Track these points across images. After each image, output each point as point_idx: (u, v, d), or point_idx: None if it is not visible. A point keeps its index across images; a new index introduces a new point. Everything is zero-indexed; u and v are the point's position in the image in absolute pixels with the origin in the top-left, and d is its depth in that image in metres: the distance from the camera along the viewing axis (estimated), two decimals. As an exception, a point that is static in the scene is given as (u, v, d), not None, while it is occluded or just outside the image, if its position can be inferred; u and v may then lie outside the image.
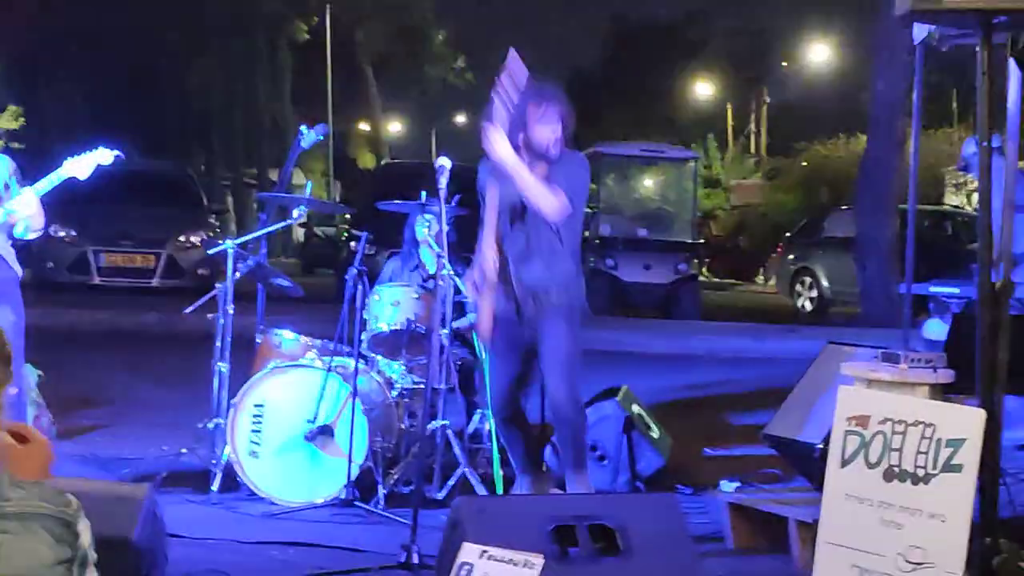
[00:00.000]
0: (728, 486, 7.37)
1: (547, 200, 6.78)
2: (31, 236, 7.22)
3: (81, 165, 7.21)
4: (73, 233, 19.96)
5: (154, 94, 42.92)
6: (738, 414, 10.90)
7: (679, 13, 57.89)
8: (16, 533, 3.20)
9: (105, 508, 4.85)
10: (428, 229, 8.39)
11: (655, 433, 8.31)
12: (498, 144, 6.71)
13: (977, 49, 5.57)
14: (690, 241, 22.96)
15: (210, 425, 7.85)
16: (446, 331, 7.59)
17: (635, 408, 8.25)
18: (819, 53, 50.84)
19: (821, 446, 6.51)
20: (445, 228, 7.06)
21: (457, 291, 7.95)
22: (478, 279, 6.99)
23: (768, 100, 54.43)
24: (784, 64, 56.59)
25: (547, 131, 6.86)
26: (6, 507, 3.22)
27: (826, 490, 5.62)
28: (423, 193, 8.13)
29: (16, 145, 32.00)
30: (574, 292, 6.94)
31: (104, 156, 7.30)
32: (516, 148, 6.82)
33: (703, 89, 55.40)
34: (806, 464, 6.95)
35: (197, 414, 8.11)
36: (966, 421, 5.23)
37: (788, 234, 27.25)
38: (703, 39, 57.72)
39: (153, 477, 7.53)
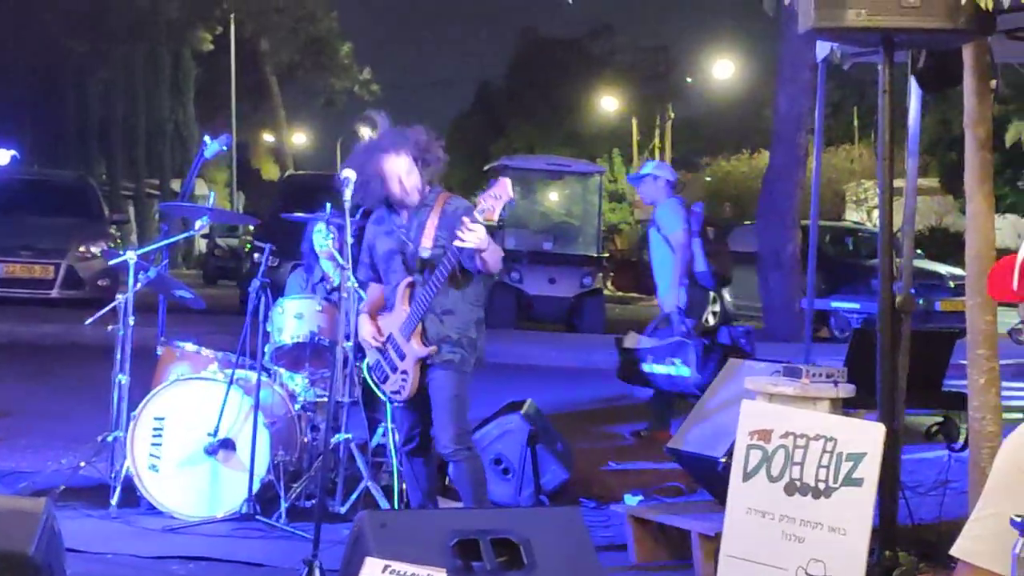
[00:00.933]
0: (631, 499, 7.40)
1: (497, 259, 6.49)
2: None
3: None
4: (-29, 243, 19.63)
5: (55, 102, 42.37)
6: (642, 427, 10.92)
7: (585, 28, 58.16)
8: None
9: (1, 522, 4.77)
10: (333, 240, 8.34)
11: (559, 446, 8.32)
12: (478, 232, 6.21)
13: (879, 67, 5.64)
14: (595, 255, 23.05)
15: (109, 438, 7.75)
16: (350, 344, 7.54)
17: (539, 421, 8.26)
18: (724, 70, 51.29)
19: (724, 460, 6.54)
20: (350, 240, 6.98)
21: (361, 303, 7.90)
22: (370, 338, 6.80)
23: (673, 115, 54.81)
24: (689, 80, 57.08)
25: (395, 183, 6.60)
26: None
27: (728, 503, 5.65)
28: (327, 205, 8.08)
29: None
30: (467, 347, 6.59)
31: None
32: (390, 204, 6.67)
33: (609, 104, 55.65)
34: (709, 478, 6.99)
35: (96, 427, 8.00)
36: (866, 435, 5.28)
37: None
38: (609, 54, 58.04)
39: (51, 491, 7.41)
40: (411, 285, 6.57)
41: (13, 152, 7.48)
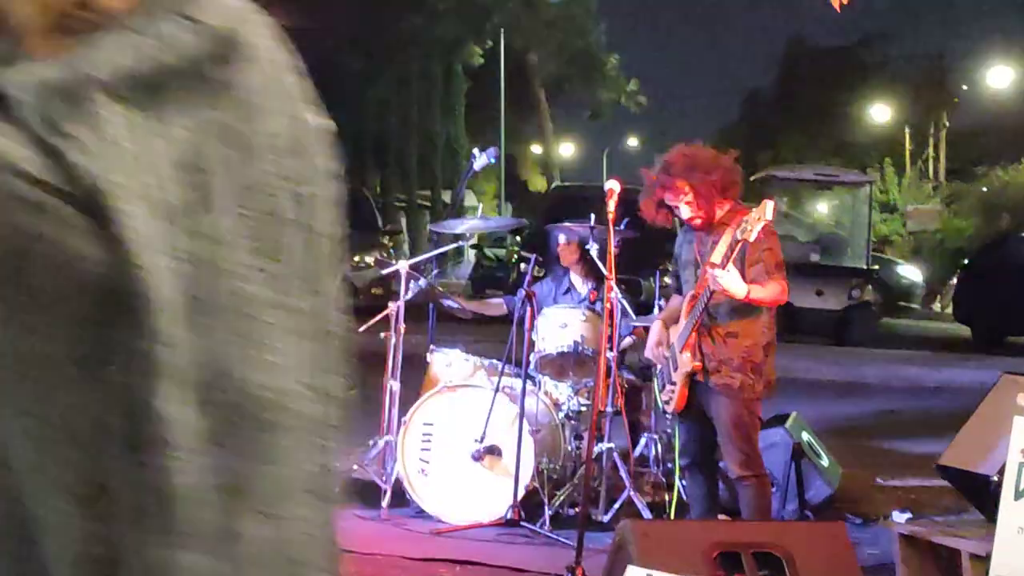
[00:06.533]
0: (899, 517, 7.26)
1: (776, 298, 6.48)
2: None
3: None
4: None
5: (331, 118, 43.64)
6: (911, 444, 10.72)
7: (855, 37, 57.13)
8: None
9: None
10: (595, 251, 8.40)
11: (824, 461, 8.22)
12: (730, 281, 6.34)
13: None
14: (864, 267, 22.61)
15: (381, 442, 7.96)
16: (613, 353, 7.58)
17: (804, 435, 8.17)
18: (1001, 77, 49.75)
19: (995, 478, 6.37)
20: (614, 251, 7.05)
21: (624, 314, 7.95)
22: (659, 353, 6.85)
23: (947, 124, 53.40)
24: (964, 88, 55.51)
25: (679, 209, 6.69)
26: None
27: (999, 523, 5.50)
28: (592, 216, 8.16)
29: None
30: (750, 372, 6.52)
31: None
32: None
33: (880, 113, 54.52)
34: (980, 496, 6.81)
35: (369, 431, 8.23)
36: None
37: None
38: (880, 62, 56.89)
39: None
40: (694, 298, 6.59)
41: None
